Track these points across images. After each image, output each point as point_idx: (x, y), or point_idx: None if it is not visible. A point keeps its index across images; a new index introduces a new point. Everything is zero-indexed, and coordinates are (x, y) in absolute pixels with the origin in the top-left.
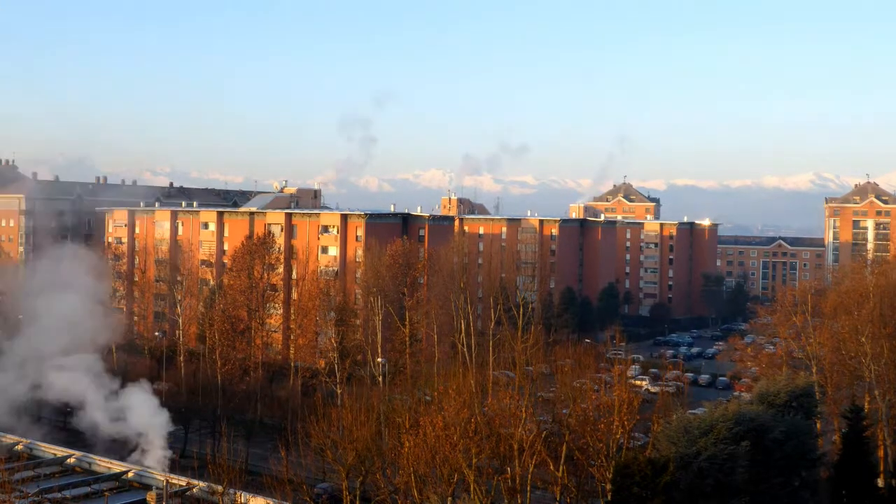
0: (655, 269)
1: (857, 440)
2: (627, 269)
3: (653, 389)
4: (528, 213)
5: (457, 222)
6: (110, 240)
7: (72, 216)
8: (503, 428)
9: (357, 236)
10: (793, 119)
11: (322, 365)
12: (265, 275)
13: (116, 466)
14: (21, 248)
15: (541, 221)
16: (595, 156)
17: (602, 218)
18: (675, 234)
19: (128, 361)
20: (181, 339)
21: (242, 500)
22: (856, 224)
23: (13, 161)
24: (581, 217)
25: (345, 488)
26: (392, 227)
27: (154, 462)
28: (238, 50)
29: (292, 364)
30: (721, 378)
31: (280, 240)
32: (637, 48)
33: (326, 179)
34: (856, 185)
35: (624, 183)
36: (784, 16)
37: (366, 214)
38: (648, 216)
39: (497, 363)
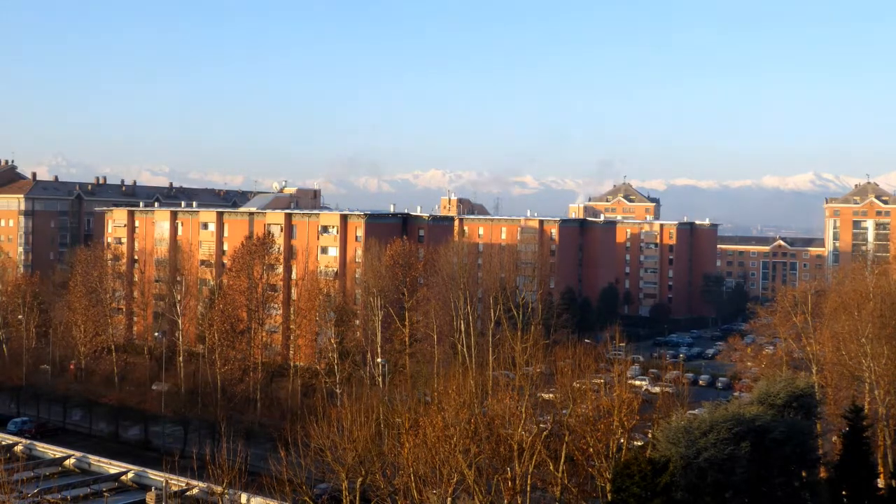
0: (655, 269)
1: (857, 440)
2: (627, 270)
3: (653, 390)
4: (528, 214)
5: (456, 223)
6: (110, 240)
7: (71, 216)
8: (503, 428)
9: (357, 237)
10: (792, 119)
11: (322, 365)
12: (265, 275)
13: (115, 467)
14: (20, 248)
15: (541, 222)
16: (595, 156)
17: (602, 218)
18: (674, 234)
19: (127, 362)
20: (181, 339)
21: (242, 501)
22: (856, 224)
23: (13, 161)
24: (581, 217)
25: (345, 489)
26: (392, 227)
27: None
28: (238, 50)
29: (292, 364)
30: (721, 378)
31: (280, 240)
32: (637, 48)
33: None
34: (856, 186)
35: (624, 183)
36: (784, 16)
37: (365, 215)
38: (648, 216)
39: (497, 363)
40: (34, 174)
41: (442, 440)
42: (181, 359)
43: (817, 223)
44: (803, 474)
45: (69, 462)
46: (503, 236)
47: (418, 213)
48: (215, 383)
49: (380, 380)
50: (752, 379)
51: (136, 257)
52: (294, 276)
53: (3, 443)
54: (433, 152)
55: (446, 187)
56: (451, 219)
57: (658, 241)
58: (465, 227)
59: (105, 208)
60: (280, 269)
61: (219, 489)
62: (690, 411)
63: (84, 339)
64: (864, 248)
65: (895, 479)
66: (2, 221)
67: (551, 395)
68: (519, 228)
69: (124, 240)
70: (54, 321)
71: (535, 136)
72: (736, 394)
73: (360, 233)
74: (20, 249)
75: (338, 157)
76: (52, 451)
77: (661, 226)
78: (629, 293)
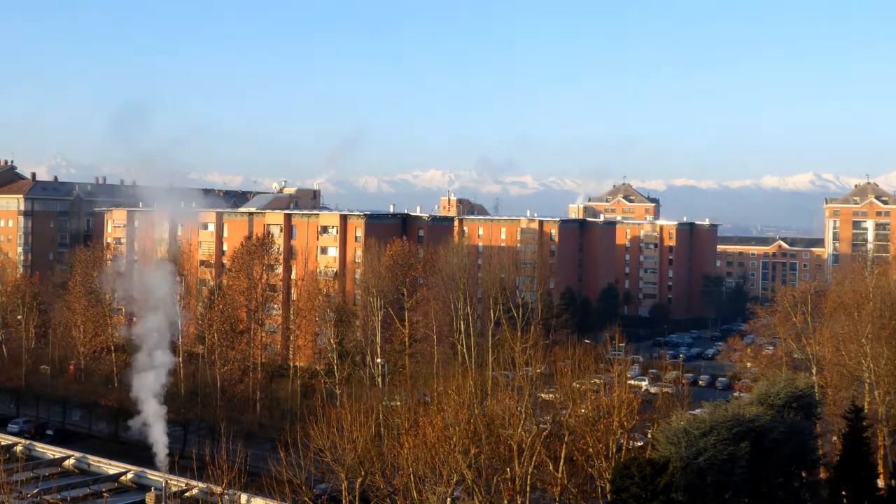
0: (655, 269)
1: (857, 441)
2: (627, 270)
3: (652, 390)
4: (528, 214)
5: (456, 223)
6: (109, 240)
7: (71, 216)
8: (502, 429)
9: (356, 237)
10: (792, 120)
11: (322, 366)
12: (264, 275)
13: (115, 467)
14: (20, 249)
15: (540, 222)
16: (595, 157)
17: (601, 218)
18: (674, 234)
19: (127, 362)
20: (180, 339)
21: (242, 501)
22: (856, 225)
23: (13, 161)
24: (581, 217)
25: (344, 489)
26: (391, 227)
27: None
28: (237, 51)
29: (291, 365)
30: (721, 379)
31: (279, 240)
32: (636, 49)
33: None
34: (855, 186)
35: (623, 183)
36: (783, 15)
37: (365, 215)
38: (648, 217)
39: (496, 364)
40: (34, 174)
41: (441, 440)
42: (181, 359)
43: (817, 223)
44: (803, 475)
45: (69, 462)
46: (503, 237)
47: (418, 214)
48: (215, 384)
49: (379, 380)
50: (752, 379)
51: (135, 257)
52: (294, 276)
53: (3, 443)
54: (433, 152)
55: (446, 187)
56: (451, 219)
57: (658, 241)
58: (465, 228)
59: (105, 208)
60: (280, 270)
61: (218, 489)
62: (690, 412)
63: (84, 339)
64: (863, 248)
65: (895, 480)
66: (1, 222)
67: (551, 396)
68: (519, 229)
69: (124, 240)
70: (54, 321)
71: (535, 136)
72: (736, 394)
73: (360, 233)
74: (20, 250)
75: (335, 156)
76: (51, 451)
77: (661, 226)
78: (629, 293)
